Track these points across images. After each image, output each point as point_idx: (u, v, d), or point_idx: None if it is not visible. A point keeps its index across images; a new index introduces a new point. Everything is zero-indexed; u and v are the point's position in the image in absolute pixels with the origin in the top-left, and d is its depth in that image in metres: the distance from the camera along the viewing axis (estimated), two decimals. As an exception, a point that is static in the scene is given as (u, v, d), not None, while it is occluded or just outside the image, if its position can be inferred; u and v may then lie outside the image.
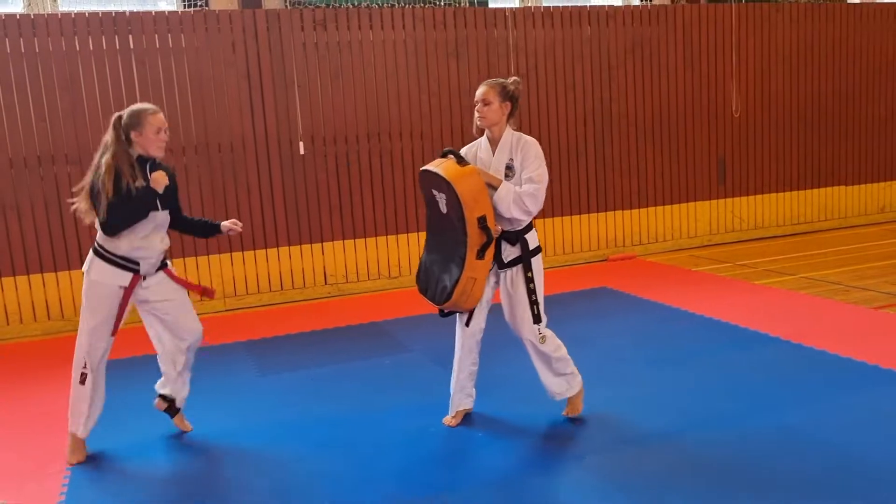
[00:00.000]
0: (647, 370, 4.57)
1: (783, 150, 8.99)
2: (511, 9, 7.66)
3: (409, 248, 7.52)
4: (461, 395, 3.96)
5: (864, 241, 8.33)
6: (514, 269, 3.72)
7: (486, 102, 3.69)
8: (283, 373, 5.00)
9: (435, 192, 3.63)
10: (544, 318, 3.76)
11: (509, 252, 3.72)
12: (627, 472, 3.33)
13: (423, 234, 7.53)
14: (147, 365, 5.33)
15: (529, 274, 3.69)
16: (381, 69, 7.27)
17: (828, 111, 9.12)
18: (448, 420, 3.95)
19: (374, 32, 7.21)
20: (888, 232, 8.85)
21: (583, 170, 8.11)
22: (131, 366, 5.33)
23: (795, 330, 5.13)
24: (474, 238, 3.51)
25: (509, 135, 3.73)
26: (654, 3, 8.58)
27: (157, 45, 6.58)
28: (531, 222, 3.76)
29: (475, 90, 7.80)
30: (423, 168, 3.66)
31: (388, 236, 7.44)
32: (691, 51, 8.39)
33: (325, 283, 7.30)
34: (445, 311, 3.76)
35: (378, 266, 7.45)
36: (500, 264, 3.73)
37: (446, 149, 3.70)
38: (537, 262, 3.75)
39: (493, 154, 3.74)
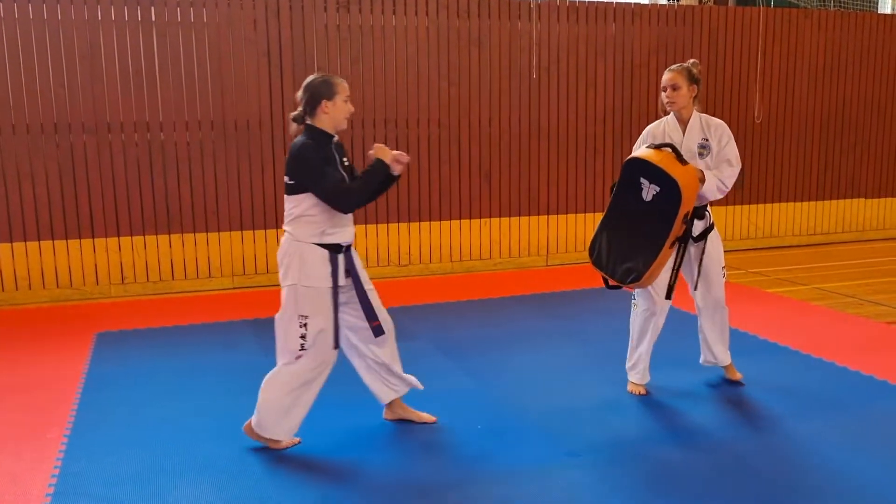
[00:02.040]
0: (650, 373, 4.52)
1: (803, 159, 8.89)
2: (536, 1, 7.59)
3: (420, 236, 7.49)
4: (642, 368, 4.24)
5: (881, 256, 8.23)
6: (706, 240, 4.10)
7: (675, 87, 3.94)
8: (286, 353, 4.98)
9: (644, 180, 3.72)
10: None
11: (697, 226, 4.04)
12: (623, 472, 3.30)
13: (434, 223, 7.51)
14: (149, 337, 5.35)
15: (716, 243, 4.15)
16: (402, 55, 7.23)
17: (851, 122, 9.01)
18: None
19: (396, 18, 7.17)
20: (905, 248, 8.74)
21: (600, 167, 8.04)
22: (134, 337, 5.35)
23: (804, 341, 5.07)
24: (676, 231, 3.71)
25: (697, 116, 4.00)
26: (680, 3, 8.49)
27: (179, 19, 6.56)
28: None
29: (495, 81, 7.75)
30: (637, 156, 3.74)
31: (400, 223, 7.41)
32: (716, 54, 8.30)
33: (335, 267, 7.27)
34: (615, 286, 3.94)
35: (388, 253, 7.42)
36: (689, 238, 3.93)
37: (664, 142, 3.84)
38: (717, 236, 4.19)
39: (683, 134, 4.01)
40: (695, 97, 4.02)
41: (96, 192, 6.54)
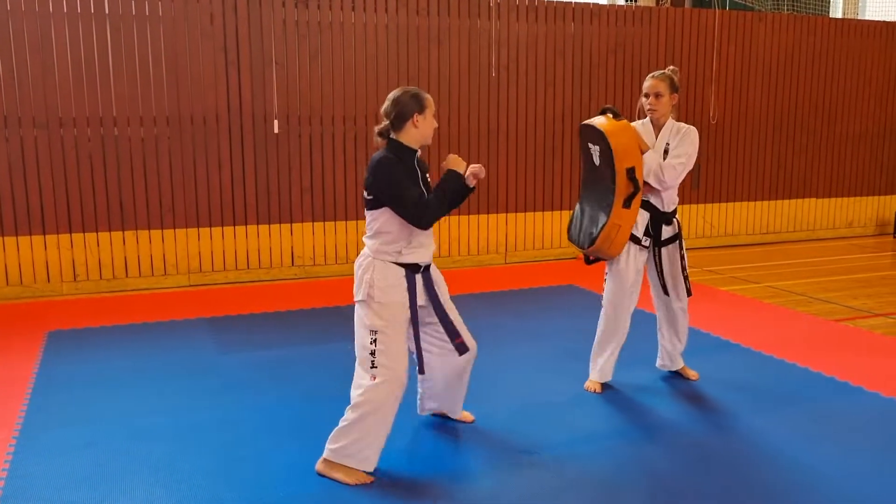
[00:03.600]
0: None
1: (757, 159, 9.05)
2: (496, 0, 7.62)
3: (380, 234, 7.46)
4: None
5: (830, 255, 8.43)
6: (671, 246, 4.17)
7: (658, 95, 4.01)
8: (244, 352, 4.94)
9: (590, 144, 3.88)
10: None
11: (666, 231, 4.14)
12: (578, 470, 3.33)
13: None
14: (101, 336, 5.26)
15: (682, 252, 4.18)
16: (361, 52, 7.20)
17: (803, 123, 9.20)
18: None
19: (355, 14, 7.13)
20: (855, 247, 8.96)
21: (559, 166, 8.10)
22: (86, 336, 5.25)
23: (755, 338, 5.17)
24: (622, 187, 3.74)
25: (671, 122, 4.07)
26: (638, 4, 8.58)
27: (133, 12, 6.45)
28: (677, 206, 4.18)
29: (454, 79, 7.76)
30: (583, 122, 3.93)
31: (359, 221, 7.39)
32: (672, 54, 8.41)
33: (293, 265, 7.23)
34: (591, 257, 4.09)
35: (346, 250, 7.39)
36: (659, 243, 4.16)
37: (605, 106, 3.95)
38: (681, 244, 4.23)
39: (656, 138, 4.08)
40: (674, 105, 4.10)
41: (47, 187, 6.40)
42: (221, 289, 6.76)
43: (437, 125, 3.36)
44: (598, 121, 3.84)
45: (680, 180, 4.05)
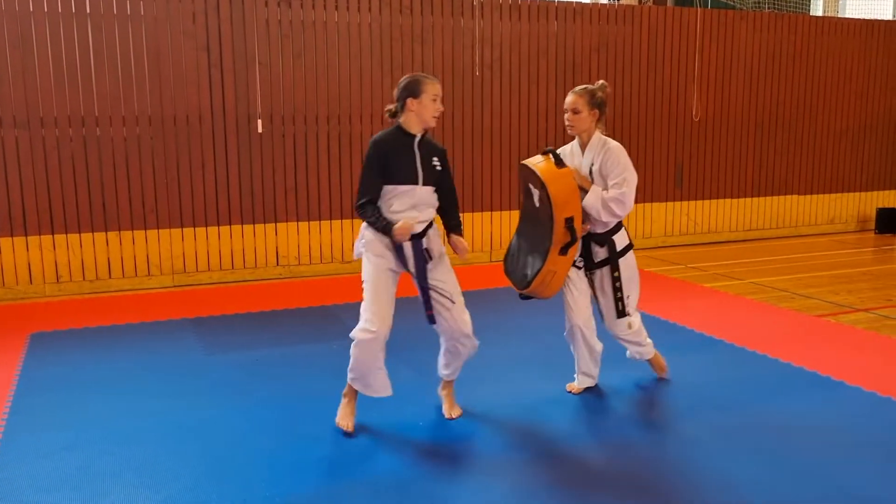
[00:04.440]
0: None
1: (740, 156, 9.12)
2: (479, -1, 7.63)
3: (365, 233, 7.46)
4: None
5: (812, 251, 8.50)
6: (604, 269, 3.96)
7: (575, 111, 3.86)
8: (229, 352, 4.93)
9: (531, 186, 3.81)
10: (634, 314, 4.08)
11: (599, 253, 3.94)
12: (561, 469, 3.34)
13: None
14: (85, 338, 5.22)
15: (616, 273, 3.94)
16: (345, 51, 7.19)
17: (785, 121, 9.27)
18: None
19: (339, 13, 7.12)
20: (836, 243, 9.04)
21: (542, 164, 8.11)
22: (69, 337, 5.22)
23: (739, 333, 5.21)
24: (559, 236, 3.66)
25: (595, 139, 3.90)
26: (620, 2, 8.62)
27: (115, 11, 6.41)
28: (620, 222, 3.95)
29: (438, 78, 7.79)
30: (522, 162, 3.86)
31: (343, 220, 7.38)
32: (655, 53, 8.45)
33: (277, 264, 7.21)
34: (523, 296, 3.99)
35: (332, 249, 7.38)
36: (591, 265, 3.97)
37: (547, 147, 3.84)
38: (628, 260, 3.98)
39: (583, 157, 3.93)
40: (598, 121, 3.92)
41: (29, 188, 6.36)
42: (206, 289, 6.74)
43: (441, 108, 3.58)
44: (539, 165, 3.74)
45: (632, 205, 3.86)
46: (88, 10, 6.33)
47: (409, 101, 3.51)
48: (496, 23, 7.72)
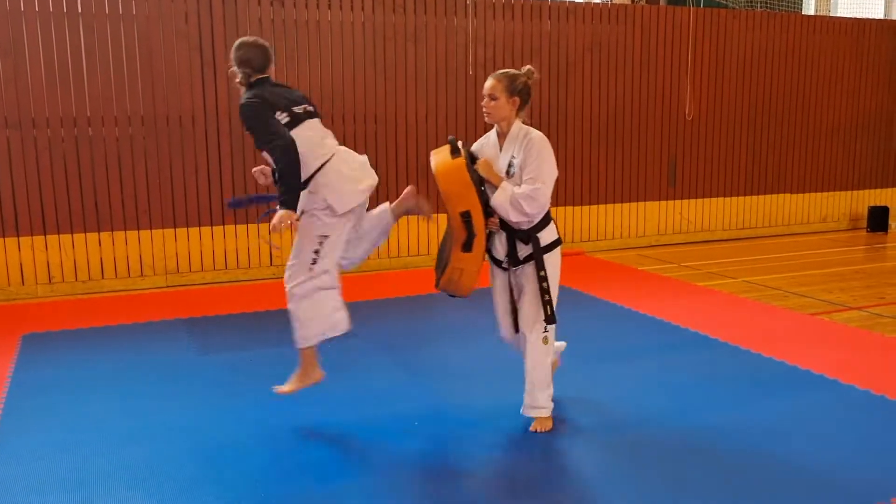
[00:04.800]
0: (582, 366, 4.59)
1: (733, 155, 9.14)
2: (472, -2, 7.63)
3: (358, 232, 7.45)
4: None
5: (805, 249, 8.53)
6: (528, 266, 3.55)
7: (492, 97, 3.50)
8: (222, 353, 4.92)
9: None
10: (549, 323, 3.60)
11: (523, 250, 3.56)
12: (559, 463, 3.34)
13: (372, 220, 7.49)
14: (78, 339, 5.20)
15: (542, 273, 3.52)
16: (338, 50, 7.17)
17: (777, 119, 9.30)
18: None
19: (332, 13, 7.11)
20: (828, 241, 9.07)
21: (536, 164, 8.12)
22: (61, 338, 5.19)
23: (733, 333, 5.22)
24: (458, 232, 3.41)
25: (516, 129, 3.53)
26: (613, 1, 8.63)
27: (107, 11, 6.38)
28: (548, 216, 3.57)
29: (431, 77, 7.72)
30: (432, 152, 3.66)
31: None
32: (648, 52, 8.47)
33: (270, 265, 7.20)
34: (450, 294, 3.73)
35: (325, 249, 7.36)
36: (515, 261, 3.58)
37: (450, 137, 3.58)
38: (552, 258, 3.57)
39: (500, 150, 3.57)
40: (519, 109, 3.55)
41: (21, 189, 6.33)
42: (199, 289, 6.72)
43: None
44: (435, 157, 3.51)
45: (547, 203, 3.49)
46: (80, 10, 6.30)
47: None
48: (489, 22, 7.72)
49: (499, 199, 3.44)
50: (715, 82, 8.86)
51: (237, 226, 7.02)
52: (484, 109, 3.54)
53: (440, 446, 3.56)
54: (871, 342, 5.02)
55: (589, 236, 8.53)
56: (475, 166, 3.50)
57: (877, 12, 11.08)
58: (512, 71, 3.54)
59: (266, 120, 3.49)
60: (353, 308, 5.93)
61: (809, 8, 10.90)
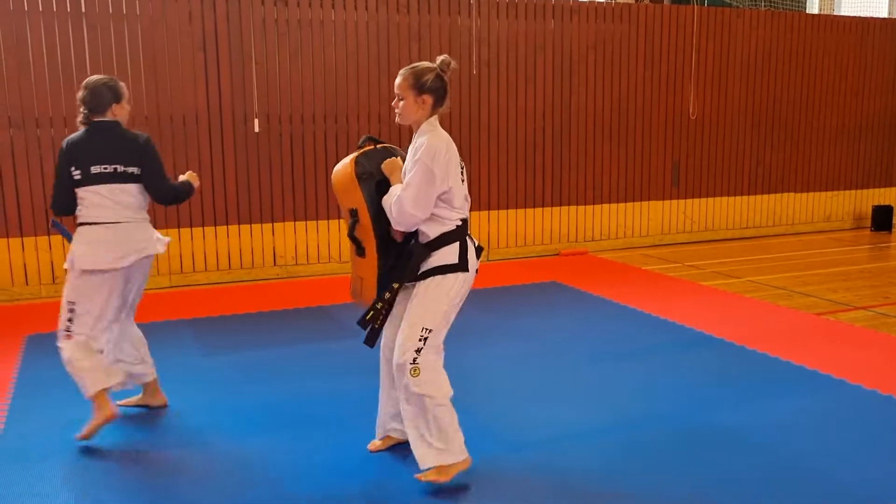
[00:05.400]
0: (586, 366, 4.58)
1: (736, 154, 9.12)
2: (476, -3, 7.62)
3: (362, 232, 7.44)
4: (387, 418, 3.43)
5: (809, 249, 8.51)
6: (419, 283, 3.06)
7: (399, 97, 3.07)
8: (227, 353, 4.91)
9: None
10: (427, 355, 3.04)
11: (423, 266, 3.07)
12: (560, 468, 3.33)
13: (376, 220, 7.48)
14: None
15: (394, 285, 3.06)
16: (342, 50, 7.17)
17: (781, 119, 9.28)
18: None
19: (335, 12, 7.10)
20: (833, 240, 9.05)
21: (539, 163, 8.12)
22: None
23: (738, 332, 5.21)
24: (350, 232, 3.11)
25: (422, 131, 3.08)
26: (617, 1, 8.61)
27: (111, 10, 6.38)
28: (457, 233, 3.08)
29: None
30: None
31: (341, 220, 7.36)
32: (652, 51, 8.45)
33: (274, 265, 7.19)
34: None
35: (329, 249, 7.36)
36: (413, 276, 3.08)
37: (364, 136, 3.31)
38: (440, 281, 3.03)
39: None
40: (432, 108, 3.08)
41: (24, 189, 6.32)
42: (203, 290, 6.71)
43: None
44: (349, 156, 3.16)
45: (420, 212, 2.95)
46: (84, 10, 6.29)
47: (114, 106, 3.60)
48: (493, 21, 7.71)
49: (384, 201, 3.06)
50: (719, 81, 8.84)
51: (241, 226, 7.01)
52: (396, 110, 3.12)
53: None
54: (878, 342, 5.01)
55: (592, 236, 8.52)
56: (382, 165, 3.12)
57: (881, 11, 11.06)
58: (422, 65, 3.08)
59: (58, 171, 3.59)
60: (357, 308, 5.93)
61: (813, 7, 10.89)
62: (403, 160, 3.16)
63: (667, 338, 5.16)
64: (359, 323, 3.12)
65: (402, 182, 3.04)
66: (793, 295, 6.31)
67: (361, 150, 3.14)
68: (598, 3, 8.23)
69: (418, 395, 3.03)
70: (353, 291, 3.24)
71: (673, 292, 6.45)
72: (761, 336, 5.12)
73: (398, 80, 3.08)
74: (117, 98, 3.58)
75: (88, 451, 3.49)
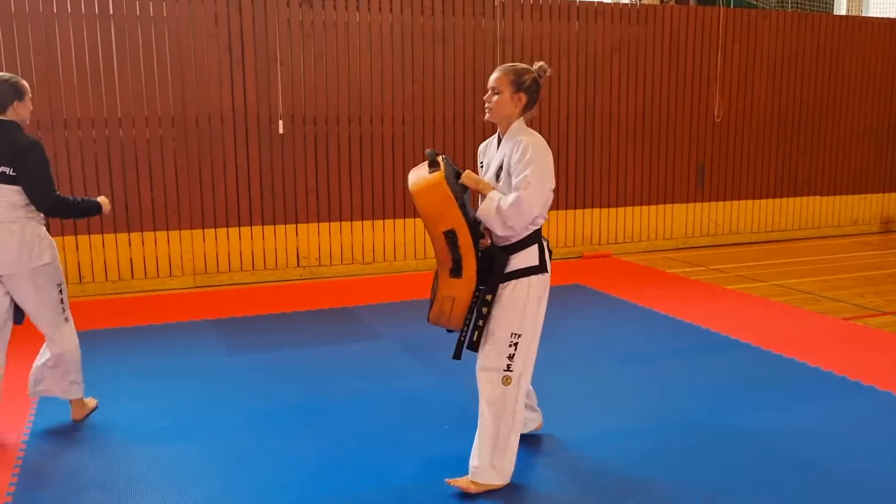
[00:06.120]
0: (610, 369, 4.56)
1: (762, 157, 9.03)
2: (500, -1, 7.60)
3: (385, 233, 7.46)
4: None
5: (836, 252, 8.41)
6: (501, 287, 3.06)
7: (495, 91, 3.09)
8: (251, 354, 4.93)
9: None
10: (518, 370, 3.08)
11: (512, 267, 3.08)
12: (586, 469, 3.31)
13: (398, 221, 7.50)
14: (107, 339, 5.25)
15: (488, 297, 3.04)
16: (366, 52, 7.18)
17: (807, 121, 9.18)
18: None
19: (360, 14, 7.12)
20: (860, 244, 8.94)
21: (563, 166, 8.09)
22: (91, 338, 5.24)
23: (764, 336, 5.16)
24: (444, 255, 2.99)
25: (515, 129, 3.10)
26: (642, 2, 8.56)
27: (138, 13, 6.43)
28: (536, 235, 3.09)
29: (459, 79, 7.68)
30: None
31: (364, 221, 7.37)
32: (677, 53, 8.39)
33: (298, 266, 7.22)
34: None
35: (352, 250, 7.38)
36: (482, 279, 3.07)
37: (427, 150, 3.24)
38: (524, 284, 3.04)
39: (497, 150, 3.16)
40: (524, 108, 3.13)
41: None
42: (227, 290, 6.75)
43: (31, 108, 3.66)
44: (415, 173, 3.04)
45: (538, 210, 2.96)
46: (112, 12, 6.36)
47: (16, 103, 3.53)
48: (517, 23, 7.69)
49: (484, 209, 2.99)
50: (744, 83, 8.76)
51: (265, 227, 7.05)
52: (486, 105, 3.13)
53: (470, 450, 3.53)
54: (907, 348, 4.94)
55: (616, 238, 8.47)
56: (461, 179, 3.05)
57: (910, 12, 10.91)
58: (521, 65, 3.15)
59: None
60: (380, 309, 5.97)
61: (841, 8, 10.76)
62: (455, 173, 3.08)
63: (691, 341, 5.12)
64: (468, 348, 3.08)
65: (491, 190, 3.03)
66: (820, 299, 6.23)
67: (438, 168, 2.98)
68: (623, 4, 8.19)
69: (502, 402, 3.07)
70: (437, 313, 3.10)
71: (697, 296, 6.39)
72: (788, 341, 5.06)
73: (496, 75, 3.10)
74: (19, 96, 3.54)
75: (112, 452, 3.52)
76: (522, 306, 3.05)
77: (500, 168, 3.07)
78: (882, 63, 9.44)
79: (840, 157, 9.47)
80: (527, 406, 3.45)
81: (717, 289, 6.66)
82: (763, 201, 9.14)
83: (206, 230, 6.89)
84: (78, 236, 6.51)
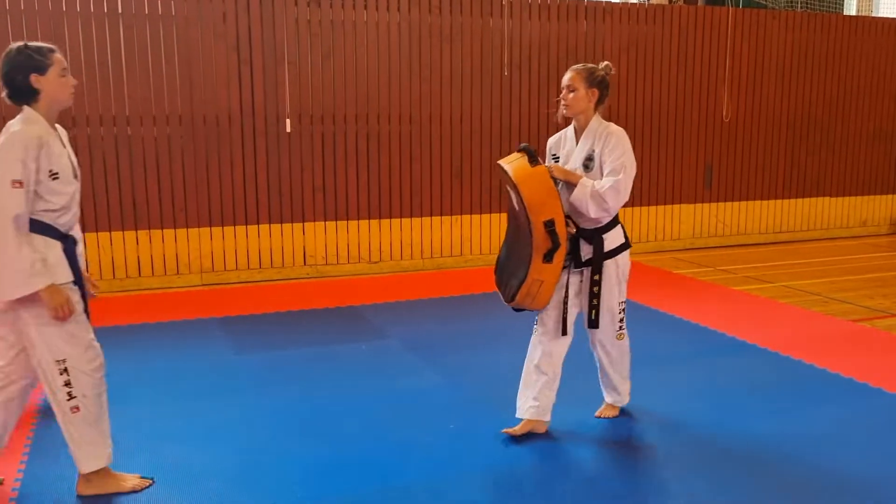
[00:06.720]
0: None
1: (770, 158, 9.00)
2: (508, -2, 7.59)
3: (391, 232, 7.46)
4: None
5: (845, 254, 8.37)
6: (598, 268, 3.53)
7: (571, 89, 3.49)
8: (258, 352, 4.93)
9: (509, 188, 3.52)
10: (618, 325, 3.68)
11: (587, 250, 3.54)
12: (592, 470, 3.30)
13: (405, 220, 7.49)
14: (114, 336, 5.26)
15: (597, 276, 3.52)
16: (374, 51, 7.18)
17: (817, 122, 9.14)
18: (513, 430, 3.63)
19: (367, 13, 7.12)
20: (869, 246, 8.90)
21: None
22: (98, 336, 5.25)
23: (772, 338, 5.13)
24: (540, 241, 3.31)
25: (595, 124, 3.53)
26: (651, 2, 8.54)
27: (146, 11, 6.45)
28: (617, 218, 3.59)
29: (467, 78, 7.69)
30: (498, 161, 3.55)
31: (371, 220, 7.37)
32: (685, 53, 8.36)
33: (304, 264, 7.22)
34: (516, 308, 3.59)
35: (359, 249, 7.38)
36: (577, 262, 3.55)
37: (522, 144, 3.50)
38: (619, 261, 3.59)
39: (577, 143, 3.57)
40: (597, 103, 3.55)
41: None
42: (234, 288, 6.76)
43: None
44: (512, 164, 3.41)
45: (628, 195, 3.48)
46: (120, 11, 6.37)
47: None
48: (525, 22, 7.68)
49: (578, 196, 3.42)
50: (753, 83, 8.72)
51: (272, 225, 7.05)
52: (562, 102, 3.53)
53: (475, 450, 3.53)
54: (916, 350, 4.91)
55: (623, 239, 8.44)
56: (552, 172, 3.44)
57: (921, 13, 10.85)
58: (590, 64, 3.58)
59: None
60: (387, 308, 5.97)
61: (851, 8, 10.70)
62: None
63: (698, 343, 5.10)
64: (589, 327, 3.63)
65: (580, 178, 3.44)
66: (828, 301, 6.21)
67: (536, 162, 3.38)
68: (632, 4, 8.16)
69: (623, 347, 3.76)
70: (524, 295, 3.41)
71: (705, 297, 6.37)
72: (796, 343, 5.04)
73: (570, 74, 3.51)
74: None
75: (120, 450, 3.52)
76: (622, 278, 3.63)
77: (588, 158, 3.50)
78: (892, 64, 9.38)
79: (849, 158, 9.43)
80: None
81: (724, 290, 6.63)
82: (771, 202, 9.10)
83: (213, 228, 6.90)
84: (85, 234, 6.53)
